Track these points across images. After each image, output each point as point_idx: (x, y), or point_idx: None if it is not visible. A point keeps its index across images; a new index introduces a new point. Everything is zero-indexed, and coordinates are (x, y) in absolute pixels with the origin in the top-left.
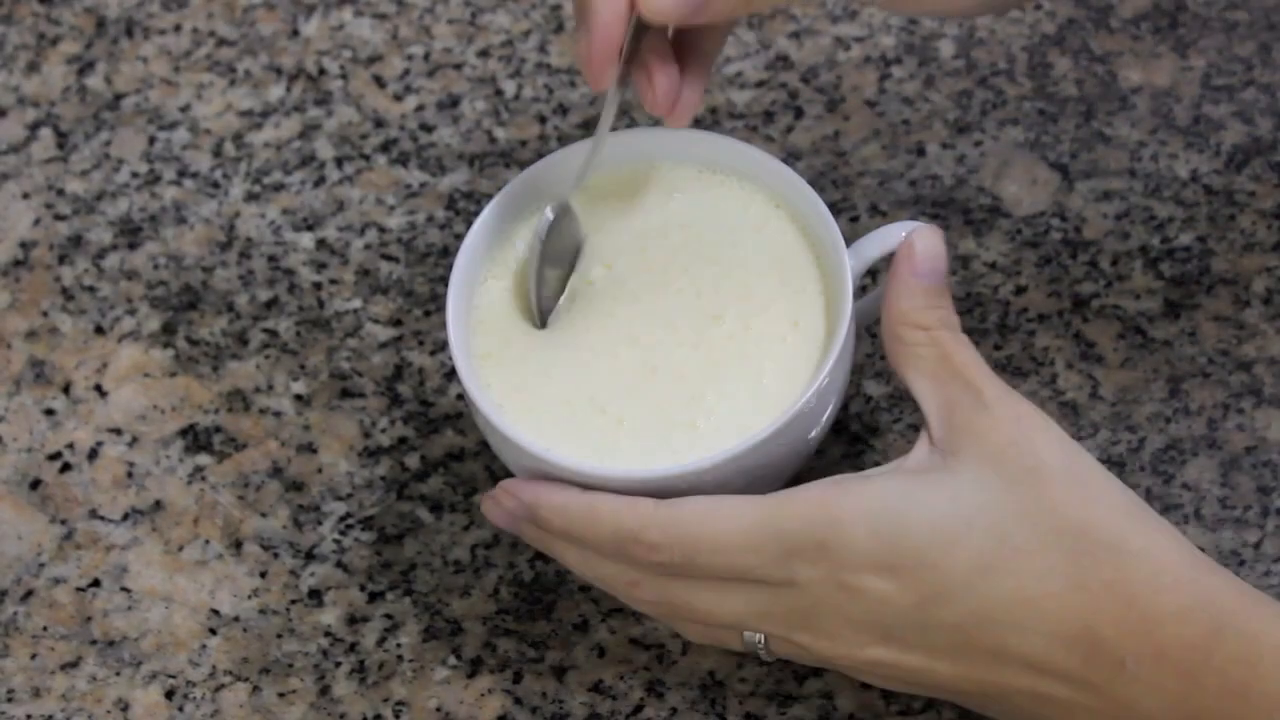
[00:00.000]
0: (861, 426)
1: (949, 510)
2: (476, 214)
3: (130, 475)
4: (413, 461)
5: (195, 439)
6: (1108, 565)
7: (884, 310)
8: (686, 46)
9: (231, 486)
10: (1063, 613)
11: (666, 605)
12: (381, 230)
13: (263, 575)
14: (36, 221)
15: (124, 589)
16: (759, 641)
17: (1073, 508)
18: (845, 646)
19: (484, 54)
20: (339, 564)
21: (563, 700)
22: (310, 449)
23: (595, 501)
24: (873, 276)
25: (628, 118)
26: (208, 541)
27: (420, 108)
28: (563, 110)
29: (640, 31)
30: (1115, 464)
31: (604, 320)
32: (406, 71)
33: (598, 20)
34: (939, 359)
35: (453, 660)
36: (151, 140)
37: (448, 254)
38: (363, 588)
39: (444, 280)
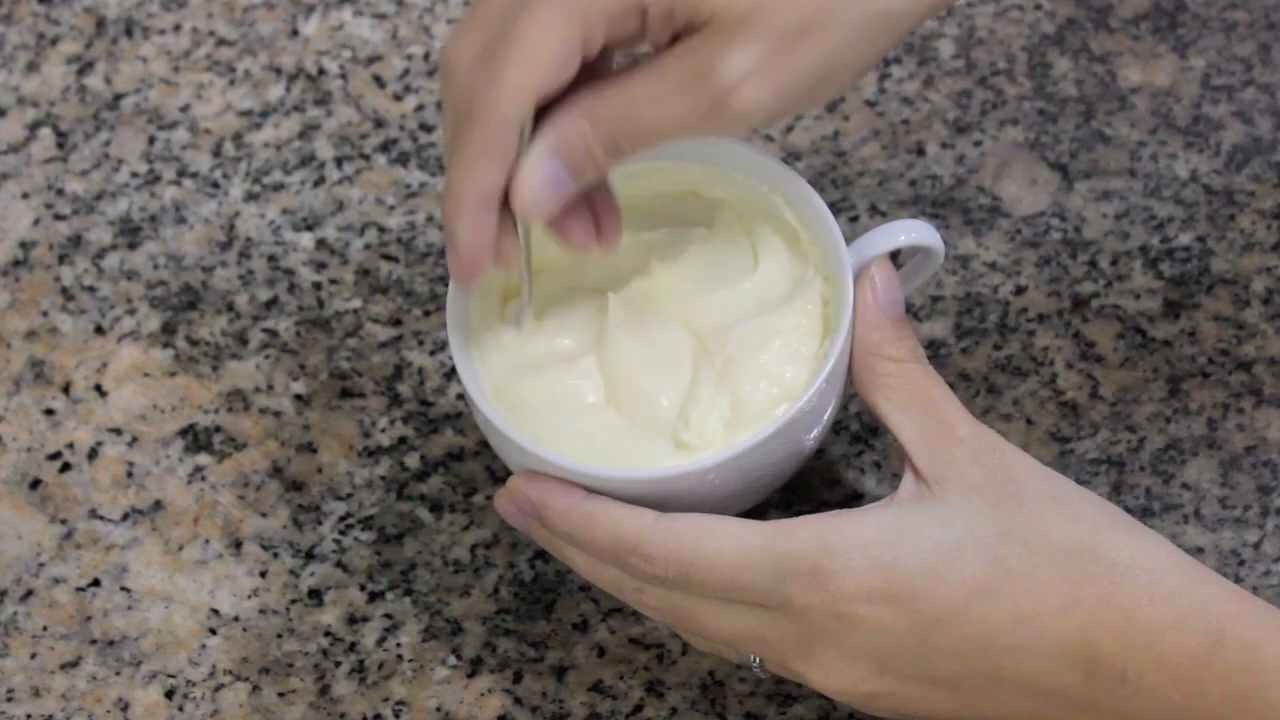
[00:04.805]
0: (861, 426)
1: (941, 537)
2: None
3: (130, 475)
4: (413, 461)
5: (195, 439)
6: (1101, 580)
7: (855, 342)
8: None
9: (231, 486)
10: (1060, 631)
11: (671, 614)
12: (381, 230)
13: (263, 575)
14: (36, 221)
15: (124, 589)
16: (754, 662)
17: (1060, 526)
18: (841, 678)
19: None
20: (339, 564)
21: (563, 700)
22: (310, 449)
23: (596, 508)
24: None
25: None
26: (208, 541)
27: (420, 107)
28: None
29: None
30: (1115, 464)
31: (603, 320)
32: (406, 71)
33: (460, 243)
34: (912, 391)
35: (453, 660)
36: (151, 140)
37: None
38: (363, 588)
39: (444, 280)
